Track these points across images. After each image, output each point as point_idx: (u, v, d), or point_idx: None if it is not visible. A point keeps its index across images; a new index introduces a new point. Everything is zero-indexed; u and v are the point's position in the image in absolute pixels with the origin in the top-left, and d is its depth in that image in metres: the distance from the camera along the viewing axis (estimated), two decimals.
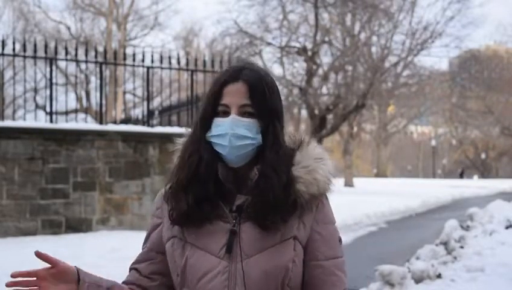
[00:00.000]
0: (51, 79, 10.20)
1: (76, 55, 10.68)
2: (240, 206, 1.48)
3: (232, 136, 1.46)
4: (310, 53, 23.43)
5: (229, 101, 1.49)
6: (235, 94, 1.49)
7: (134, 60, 11.08)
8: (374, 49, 26.46)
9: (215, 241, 1.47)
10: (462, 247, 8.59)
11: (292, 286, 1.49)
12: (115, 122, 14.41)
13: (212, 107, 1.50)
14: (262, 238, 1.46)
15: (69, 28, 34.66)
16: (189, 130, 1.60)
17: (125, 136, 10.05)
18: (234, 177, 1.50)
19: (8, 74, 25.37)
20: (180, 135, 1.64)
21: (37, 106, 15.48)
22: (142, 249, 1.64)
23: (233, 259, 1.45)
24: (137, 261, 1.63)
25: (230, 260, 1.46)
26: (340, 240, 1.60)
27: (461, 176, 55.03)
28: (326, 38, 23.86)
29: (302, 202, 1.49)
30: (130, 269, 1.65)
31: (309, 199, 1.50)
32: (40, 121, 10.82)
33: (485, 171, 57.84)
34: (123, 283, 1.63)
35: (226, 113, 1.49)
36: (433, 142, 53.73)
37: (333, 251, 1.55)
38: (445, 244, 8.45)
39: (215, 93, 1.50)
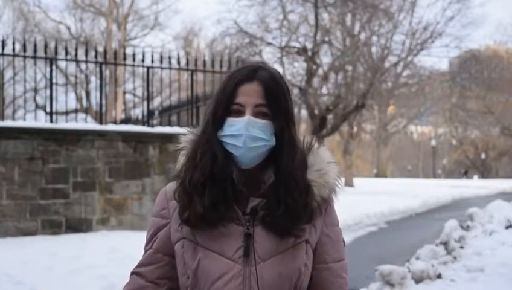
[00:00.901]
0: (51, 79, 10.19)
1: (76, 55, 10.66)
2: (254, 209, 1.46)
3: (248, 138, 1.44)
4: (310, 53, 23.42)
5: (243, 101, 1.46)
6: (250, 94, 1.46)
7: (134, 60, 11.07)
8: (374, 49, 26.48)
9: (229, 244, 1.45)
10: (462, 247, 8.58)
11: (302, 288, 1.50)
12: (115, 122, 14.40)
13: (225, 106, 1.47)
14: (276, 241, 1.46)
15: (69, 28, 34.69)
16: (195, 128, 1.58)
17: (125, 136, 10.04)
18: (246, 178, 1.48)
19: (8, 74, 25.38)
20: (181, 135, 1.60)
21: (37, 106, 15.49)
22: (145, 250, 1.58)
23: (247, 262, 1.44)
24: (141, 265, 1.57)
25: (244, 263, 1.44)
26: (343, 241, 1.61)
27: (465, 175, 54.81)
28: (326, 38, 23.85)
29: (314, 205, 1.49)
30: (132, 273, 1.58)
31: (320, 202, 1.50)
32: (40, 121, 10.81)
33: (485, 171, 57.84)
34: None
35: (240, 113, 1.46)
36: (433, 142, 53.73)
37: (340, 254, 1.57)
38: (445, 244, 8.45)
39: (230, 91, 1.47)
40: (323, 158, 1.54)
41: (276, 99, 1.48)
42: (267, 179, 1.47)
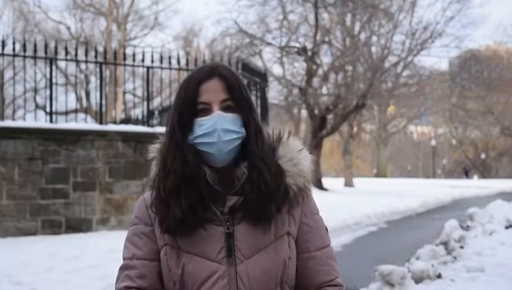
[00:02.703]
0: (51, 79, 10.19)
1: (76, 55, 10.65)
2: (232, 208, 1.46)
3: (221, 131, 1.44)
4: (310, 53, 23.43)
5: (208, 98, 1.46)
6: (213, 90, 1.47)
7: (134, 60, 11.07)
8: (374, 49, 26.47)
9: (211, 246, 1.45)
10: (462, 247, 8.58)
11: (289, 282, 1.49)
12: (115, 122, 14.41)
13: (190, 108, 1.47)
14: (257, 238, 1.46)
15: (69, 28, 34.71)
16: (162, 135, 1.57)
17: (125, 136, 10.05)
18: (219, 177, 1.47)
19: (8, 74, 25.35)
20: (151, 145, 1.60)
21: (37, 106, 15.49)
22: (128, 259, 1.53)
23: (231, 262, 1.44)
24: (140, 276, 1.51)
25: (228, 263, 1.44)
26: (326, 228, 1.60)
27: (466, 175, 54.78)
28: (326, 38, 23.85)
29: (291, 195, 1.50)
30: (131, 287, 1.51)
31: (297, 191, 1.51)
32: (40, 121, 10.81)
33: (485, 171, 57.85)
34: None
35: (206, 111, 1.46)
36: (433, 142, 53.73)
37: (323, 241, 1.56)
38: (445, 244, 8.44)
39: (192, 92, 1.47)
40: (294, 147, 1.55)
41: (238, 91, 1.49)
42: (240, 175, 1.47)
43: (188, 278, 1.45)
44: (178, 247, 1.47)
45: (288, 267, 1.48)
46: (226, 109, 1.47)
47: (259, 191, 1.44)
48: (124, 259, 1.55)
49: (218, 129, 1.44)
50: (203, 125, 1.46)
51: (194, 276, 1.44)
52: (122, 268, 1.54)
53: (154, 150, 1.58)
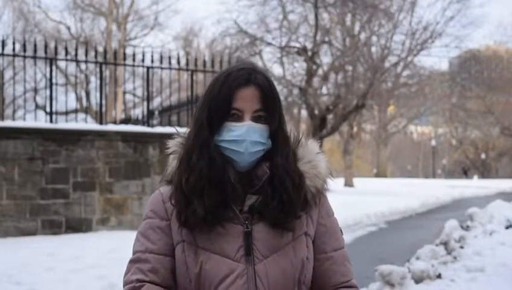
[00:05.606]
0: (50, 79, 10.19)
1: (76, 55, 10.66)
2: (252, 207, 1.47)
3: (249, 143, 1.45)
4: (310, 53, 23.41)
5: (242, 106, 1.46)
6: (248, 99, 1.47)
7: (134, 60, 11.07)
8: (374, 49, 26.48)
9: (229, 244, 1.45)
10: (462, 247, 8.58)
11: (306, 282, 1.50)
12: (115, 122, 14.39)
13: (222, 111, 1.47)
14: (276, 237, 1.47)
15: (69, 28, 34.70)
16: (186, 130, 1.57)
17: (125, 136, 10.05)
18: (239, 176, 1.48)
19: (8, 74, 25.31)
20: (169, 139, 1.60)
21: (37, 106, 15.47)
22: (140, 252, 1.50)
23: (250, 261, 1.44)
24: (153, 270, 1.47)
25: (247, 262, 1.44)
26: (341, 231, 1.62)
27: (466, 175, 54.79)
28: (326, 38, 23.84)
29: (309, 196, 1.51)
30: (142, 280, 1.46)
31: (315, 192, 1.53)
32: (40, 121, 10.80)
33: (485, 171, 57.86)
34: None
35: (237, 117, 1.47)
36: (433, 142, 53.76)
37: (339, 242, 1.58)
38: (445, 244, 8.44)
39: (227, 96, 1.47)
40: (312, 150, 1.57)
41: (272, 103, 1.49)
42: (261, 175, 1.48)
43: (206, 276, 1.44)
44: (196, 244, 1.46)
45: (306, 267, 1.49)
46: (256, 118, 1.47)
47: (281, 200, 1.45)
48: (135, 252, 1.52)
49: (247, 140, 1.45)
50: (232, 131, 1.46)
51: (212, 274, 1.44)
52: (133, 261, 1.51)
53: (173, 144, 1.59)
